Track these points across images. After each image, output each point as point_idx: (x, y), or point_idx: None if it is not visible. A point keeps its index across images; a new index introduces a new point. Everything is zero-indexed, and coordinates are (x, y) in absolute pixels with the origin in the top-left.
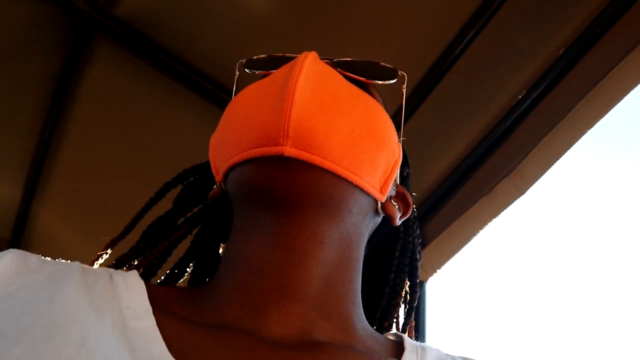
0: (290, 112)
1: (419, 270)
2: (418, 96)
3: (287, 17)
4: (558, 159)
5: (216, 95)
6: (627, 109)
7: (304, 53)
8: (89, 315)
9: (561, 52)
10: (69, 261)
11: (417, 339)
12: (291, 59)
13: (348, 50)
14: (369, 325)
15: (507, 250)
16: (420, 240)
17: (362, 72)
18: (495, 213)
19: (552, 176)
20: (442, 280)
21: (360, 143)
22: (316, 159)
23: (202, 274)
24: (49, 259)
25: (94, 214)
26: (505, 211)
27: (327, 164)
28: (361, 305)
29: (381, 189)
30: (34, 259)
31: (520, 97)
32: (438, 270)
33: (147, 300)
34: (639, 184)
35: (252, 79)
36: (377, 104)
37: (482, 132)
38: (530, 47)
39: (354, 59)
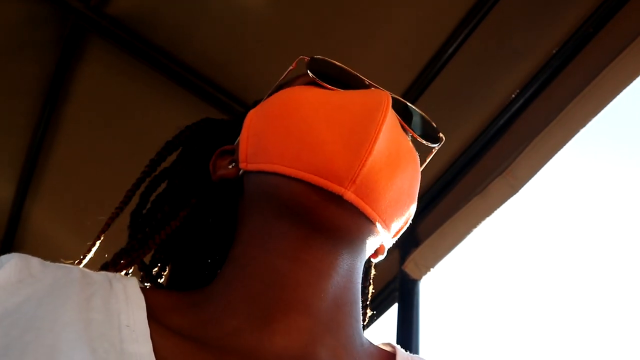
0: (365, 161)
1: (370, 294)
2: (412, 95)
3: (283, 17)
4: (551, 157)
5: (211, 95)
6: (620, 107)
7: (385, 95)
8: (85, 345)
9: (554, 51)
10: (69, 266)
11: (410, 337)
12: (363, 83)
13: (343, 49)
14: (366, 339)
15: (501, 248)
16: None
17: (410, 120)
18: (488, 212)
19: (546, 175)
20: (435, 279)
21: (402, 200)
22: (367, 210)
23: (187, 258)
24: (49, 263)
25: (87, 214)
26: (498, 210)
27: (373, 215)
28: (361, 320)
29: (394, 236)
30: (35, 263)
31: (513, 96)
32: (431, 269)
33: (146, 319)
34: (632, 182)
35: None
36: (418, 159)
37: (475, 131)
38: (524, 46)
39: (405, 101)
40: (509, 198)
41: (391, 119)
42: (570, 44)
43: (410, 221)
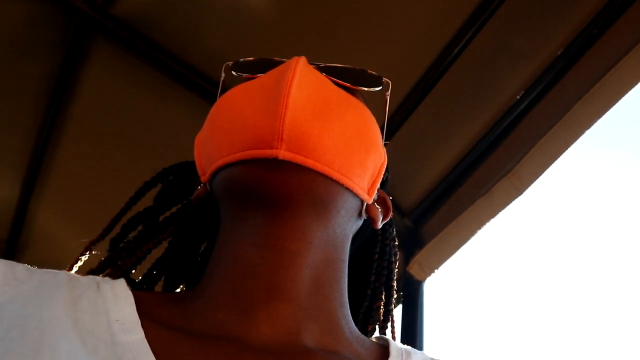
0: (284, 115)
1: (394, 274)
2: (416, 97)
3: (286, 18)
4: (556, 159)
5: (215, 96)
6: (625, 110)
7: (295, 58)
8: (74, 339)
9: (559, 52)
10: (56, 270)
11: (414, 339)
12: (279, 62)
13: (347, 50)
14: (355, 327)
15: (505, 250)
16: (396, 243)
17: (349, 79)
18: (493, 213)
19: (550, 177)
20: (440, 280)
21: (351, 145)
22: (309, 162)
23: (178, 277)
24: (36, 268)
25: (92, 214)
26: (503, 211)
27: (319, 166)
28: (348, 307)
29: (368, 190)
30: (20, 268)
31: (518, 97)
32: (436, 270)
33: (136, 312)
34: (635, 184)
35: (237, 81)
36: (366, 107)
37: (480, 133)
38: (529, 48)
39: (340, 65)
40: (513, 200)
41: (306, 74)
42: (575, 45)
43: (383, 172)
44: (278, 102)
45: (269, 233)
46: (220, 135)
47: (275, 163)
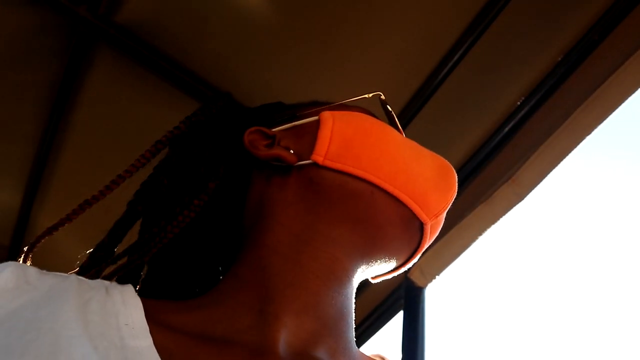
0: (448, 204)
1: None
2: (417, 102)
3: (286, 25)
4: (556, 165)
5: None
6: (626, 115)
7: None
8: (86, 343)
9: (559, 59)
10: (65, 274)
11: (415, 345)
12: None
13: (347, 58)
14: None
15: (506, 256)
16: None
17: None
18: (494, 219)
19: (551, 182)
20: (440, 287)
21: None
22: (426, 244)
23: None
24: (46, 272)
25: (94, 221)
26: (504, 217)
27: (422, 248)
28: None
29: None
30: (31, 271)
31: (518, 103)
32: (437, 277)
33: (144, 318)
34: (637, 190)
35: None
36: None
37: (480, 139)
38: (529, 54)
39: None
40: (514, 206)
41: None
42: (575, 52)
43: None
44: (450, 191)
45: (340, 258)
46: (383, 159)
47: (419, 225)
